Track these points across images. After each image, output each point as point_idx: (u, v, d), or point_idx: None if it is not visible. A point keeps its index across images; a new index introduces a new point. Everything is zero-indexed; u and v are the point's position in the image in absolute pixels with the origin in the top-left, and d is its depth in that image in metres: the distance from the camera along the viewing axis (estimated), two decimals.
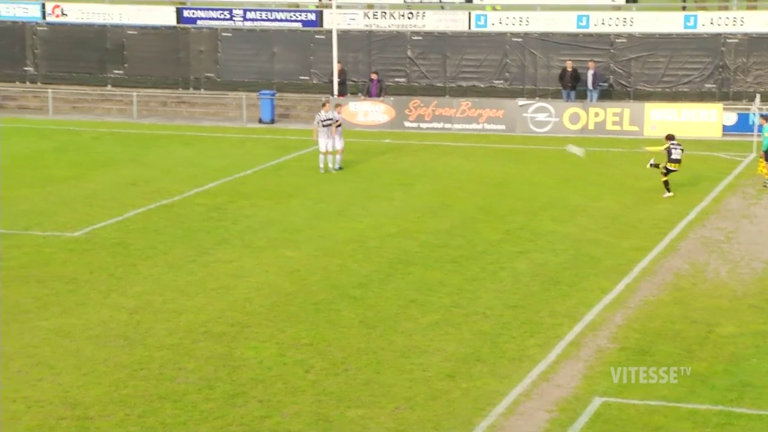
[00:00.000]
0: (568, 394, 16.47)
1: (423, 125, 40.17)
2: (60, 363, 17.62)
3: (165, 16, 45.93)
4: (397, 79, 43.36)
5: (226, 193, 29.83)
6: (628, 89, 41.62)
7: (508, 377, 17.10)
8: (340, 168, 32.41)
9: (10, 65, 46.42)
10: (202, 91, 44.81)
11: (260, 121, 41.65)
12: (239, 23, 45.27)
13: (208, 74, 45.27)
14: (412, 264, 23.18)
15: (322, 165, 32.18)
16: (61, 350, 18.17)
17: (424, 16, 43.65)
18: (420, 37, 43.43)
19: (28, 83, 45.99)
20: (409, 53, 43.49)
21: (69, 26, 46.48)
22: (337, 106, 33.46)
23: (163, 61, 45.47)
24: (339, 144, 32.31)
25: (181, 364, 17.61)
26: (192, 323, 19.47)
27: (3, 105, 44.23)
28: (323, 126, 31.99)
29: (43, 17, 46.63)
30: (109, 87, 45.52)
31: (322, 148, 32.12)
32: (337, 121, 32.23)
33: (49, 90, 44.14)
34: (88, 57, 45.93)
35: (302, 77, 44.35)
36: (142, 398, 16.28)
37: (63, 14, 46.71)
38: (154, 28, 45.71)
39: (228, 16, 45.52)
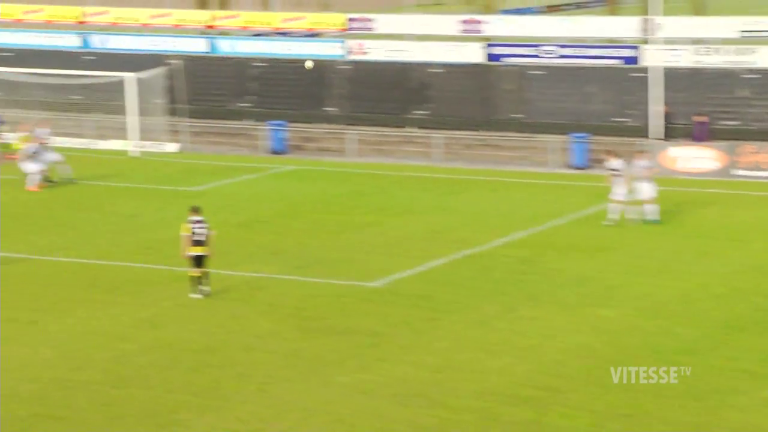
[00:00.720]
0: None
1: (758, 174, 38.64)
2: (359, 421, 17.96)
3: (471, 53, 46.61)
4: (726, 122, 42.04)
5: (535, 244, 29.75)
6: None
7: None
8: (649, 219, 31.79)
9: (310, 105, 48.40)
10: (509, 133, 45.05)
11: (572, 167, 41.41)
12: (548, 60, 45.32)
13: (514, 115, 45.52)
14: (745, 330, 22.24)
15: (611, 215, 31.80)
16: (360, 408, 18.53)
17: (754, 52, 42.15)
18: (755, 75, 41.97)
19: (327, 124, 47.74)
20: (741, 93, 42.09)
21: (371, 64, 47.98)
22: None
23: (467, 101, 46.12)
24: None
25: (487, 429, 17.54)
26: (498, 385, 19.40)
27: (303, 146, 46.10)
28: (614, 176, 31.91)
29: (345, 56, 48.37)
30: (410, 128, 46.57)
31: (616, 197, 31.85)
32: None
33: (349, 131, 45.65)
34: (390, 97, 47.23)
35: (617, 119, 43.81)
36: None
37: (364, 52, 48.30)
38: (459, 65, 46.45)
39: (536, 53, 45.67)
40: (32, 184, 37.47)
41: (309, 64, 36.36)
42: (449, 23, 48.44)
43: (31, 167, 37.78)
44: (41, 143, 38.46)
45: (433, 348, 21.39)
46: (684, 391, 18.93)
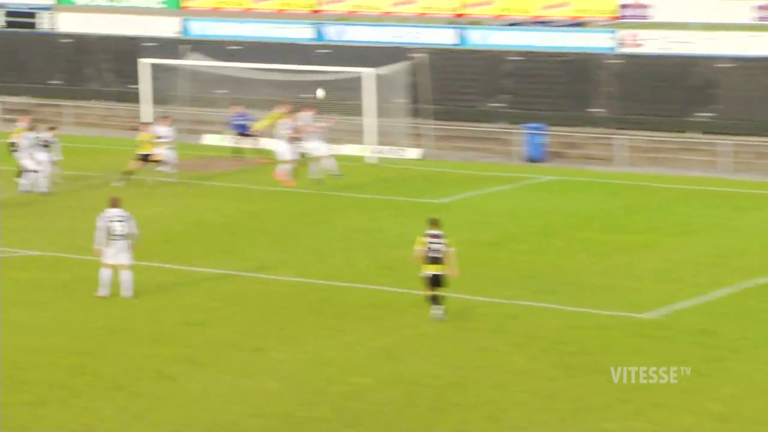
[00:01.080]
0: None
1: None
2: None
3: None
4: None
5: None
6: None
7: None
8: None
9: (573, 106, 48.03)
10: None
11: None
12: None
13: None
14: None
15: None
16: None
17: None
18: None
19: (593, 127, 47.28)
20: None
21: (646, 58, 47.31)
22: None
23: (762, 102, 44.98)
24: None
25: None
26: None
27: (564, 154, 45.86)
28: None
29: (615, 48, 47.81)
30: (692, 133, 45.71)
31: None
32: None
33: (619, 136, 45.10)
34: (668, 96, 46.43)
35: None
36: None
37: (638, 44, 47.67)
38: (754, 59, 45.31)
39: None
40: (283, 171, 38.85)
41: (320, 94, 36.37)
42: (742, 10, 47.26)
43: (283, 148, 38.99)
44: (310, 130, 39.78)
45: (718, 393, 20.93)
46: None
